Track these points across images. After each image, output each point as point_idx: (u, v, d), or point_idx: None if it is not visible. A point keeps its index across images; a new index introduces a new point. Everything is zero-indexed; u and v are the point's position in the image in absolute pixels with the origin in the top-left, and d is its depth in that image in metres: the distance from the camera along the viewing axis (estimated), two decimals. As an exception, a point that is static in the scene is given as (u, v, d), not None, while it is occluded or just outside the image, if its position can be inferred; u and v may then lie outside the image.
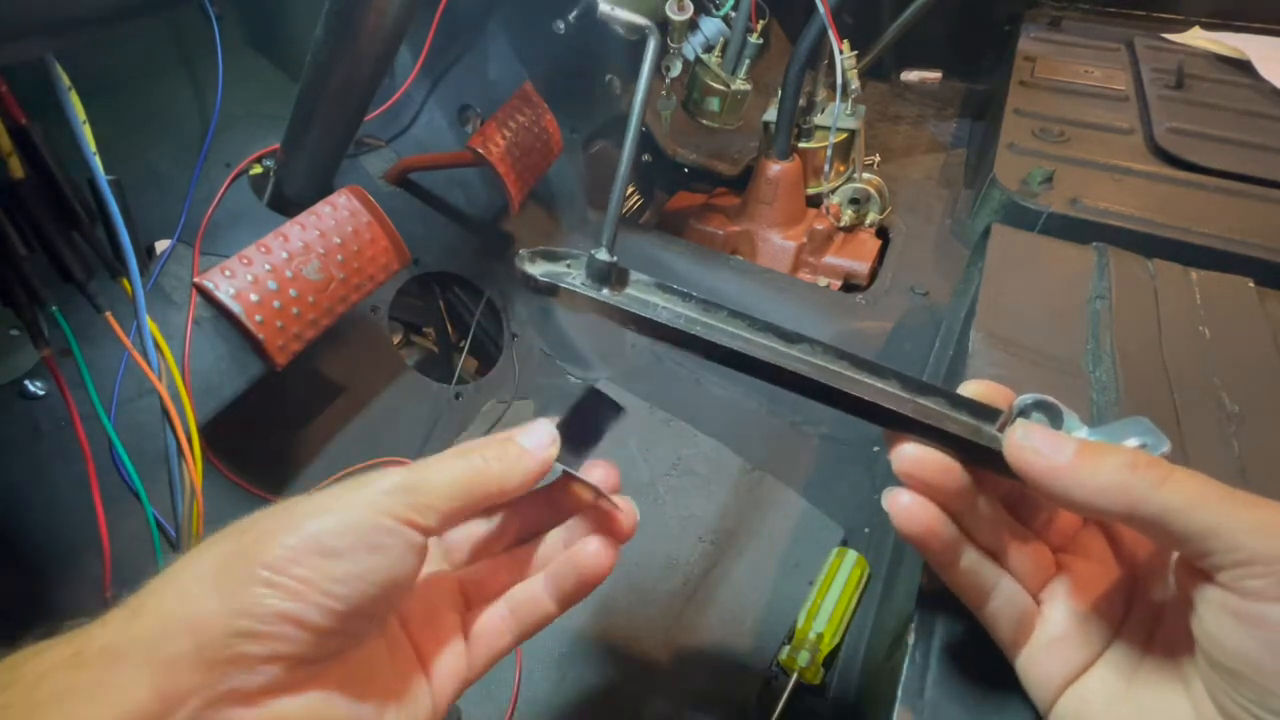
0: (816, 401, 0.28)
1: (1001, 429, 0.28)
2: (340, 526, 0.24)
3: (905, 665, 0.32)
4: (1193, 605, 0.23)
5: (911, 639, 0.32)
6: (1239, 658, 0.21)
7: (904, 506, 0.27)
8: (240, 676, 0.22)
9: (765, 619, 0.61)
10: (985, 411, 0.28)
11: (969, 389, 0.29)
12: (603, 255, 0.30)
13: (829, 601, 0.59)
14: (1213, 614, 0.22)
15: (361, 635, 0.26)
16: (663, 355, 0.93)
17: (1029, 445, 0.24)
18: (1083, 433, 0.27)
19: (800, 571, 0.65)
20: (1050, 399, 0.27)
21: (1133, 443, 0.25)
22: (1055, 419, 0.27)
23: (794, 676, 0.56)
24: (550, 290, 0.30)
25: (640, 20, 0.30)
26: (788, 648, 0.58)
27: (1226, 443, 0.41)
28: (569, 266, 0.31)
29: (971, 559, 0.27)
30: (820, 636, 0.57)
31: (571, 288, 0.30)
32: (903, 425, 0.27)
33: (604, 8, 0.30)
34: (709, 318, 0.30)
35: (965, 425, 0.28)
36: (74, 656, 0.21)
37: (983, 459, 0.26)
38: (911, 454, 0.27)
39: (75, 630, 0.22)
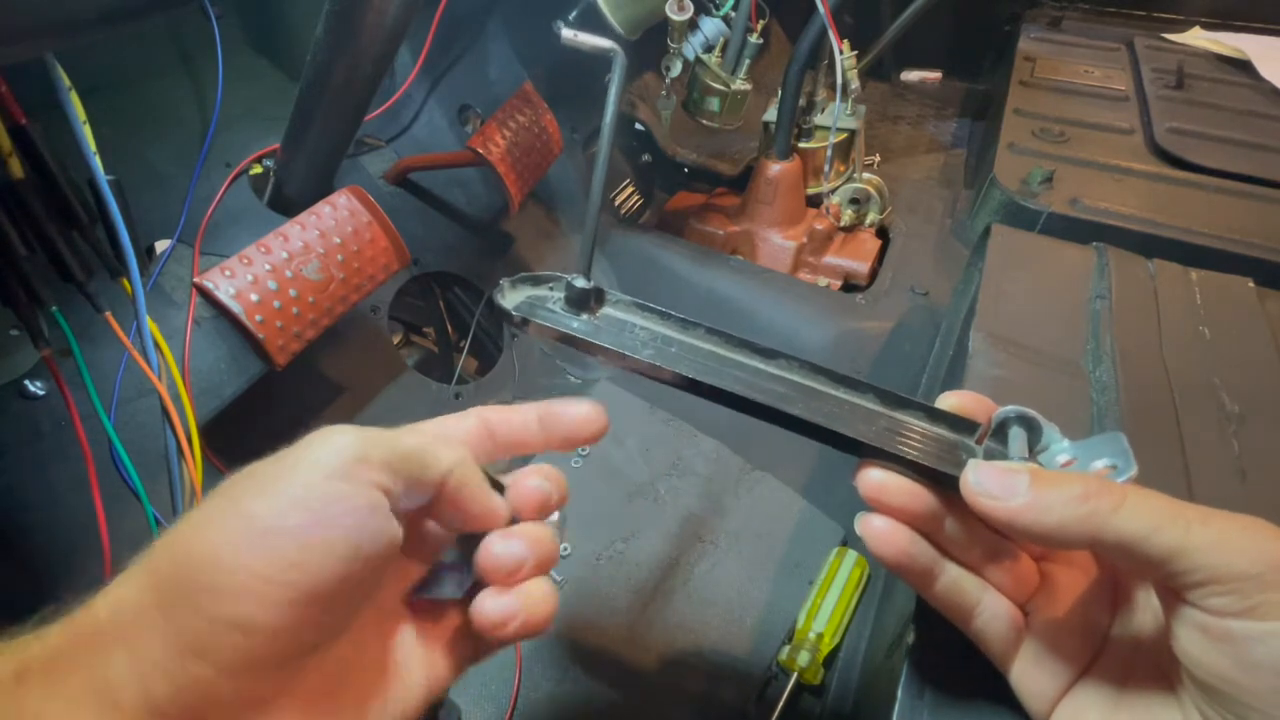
0: (792, 431, 0.28)
1: (980, 441, 0.28)
2: (285, 503, 0.21)
3: (905, 665, 0.32)
4: (1169, 622, 0.23)
5: (911, 639, 0.32)
6: (1214, 674, 0.21)
7: (877, 530, 0.27)
8: (191, 698, 0.19)
9: (765, 619, 0.61)
10: (963, 425, 0.28)
11: (947, 401, 0.28)
12: (580, 282, 0.30)
13: (829, 601, 0.59)
14: (1185, 631, 0.22)
15: (337, 627, 0.23)
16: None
17: (982, 491, 0.24)
18: (1062, 446, 0.26)
19: (800, 571, 0.65)
20: (1030, 412, 0.27)
21: (1101, 464, 0.25)
22: (1034, 432, 0.27)
23: (794, 676, 0.56)
24: (524, 324, 0.30)
25: (605, 43, 0.30)
26: (788, 648, 0.58)
27: (1226, 443, 0.41)
28: (551, 289, 0.31)
29: (951, 578, 0.27)
30: (820, 636, 0.57)
31: (543, 322, 0.30)
32: (871, 454, 0.27)
33: (567, 34, 0.30)
34: (686, 336, 0.30)
35: (941, 442, 0.27)
36: (17, 676, 0.19)
37: (949, 486, 0.26)
38: (876, 479, 0.27)
39: (18, 642, 0.20)
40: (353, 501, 0.21)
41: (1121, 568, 0.27)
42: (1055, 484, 0.23)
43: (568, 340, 0.30)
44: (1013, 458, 0.27)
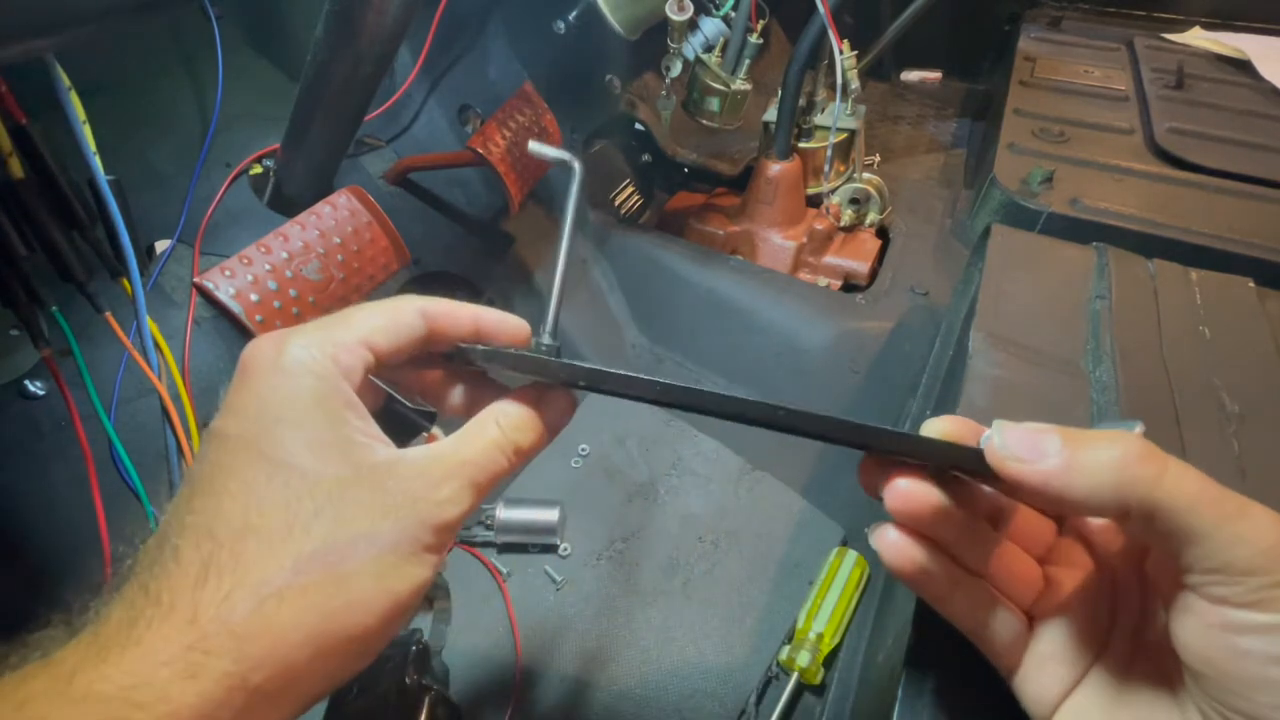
0: (798, 435, 0.27)
1: None
2: (363, 605, 0.24)
3: (905, 665, 0.32)
4: (1167, 606, 0.23)
5: (912, 639, 0.32)
6: (1202, 659, 0.21)
7: (891, 544, 0.26)
8: None
9: (765, 619, 0.62)
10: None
11: (934, 427, 0.27)
12: (547, 340, 0.30)
13: (829, 601, 0.59)
14: (1180, 615, 0.22)
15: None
16: (663, 356, 0.93)
17: (1009, 454, 0.23)
18: None
19: (800, 571, 0.65)
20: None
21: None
22: None
23: (794, 676, 0.56)
24: (492, 356, 0.29)
25: (564, 155, 0.31)
26: (788, 648, 0.58)
27: (1226, 443, 0.41)
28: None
29: (965, 591, 0.27)
30: (820, 636, 0.57)
31: (520, 353, 0.29)
32: (892, 443, 0.26)
33: (534, 146, 0.31)
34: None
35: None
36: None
37: (970, 468, 0.25)
38: (903, 487, 0.26)
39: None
40: (423, 579, 0.25)
41: (1129, 534, 0.26)
42: (1090, 445, 0.22)
43: (553, 372, 0.28)
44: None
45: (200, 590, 0.22)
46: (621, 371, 0.28)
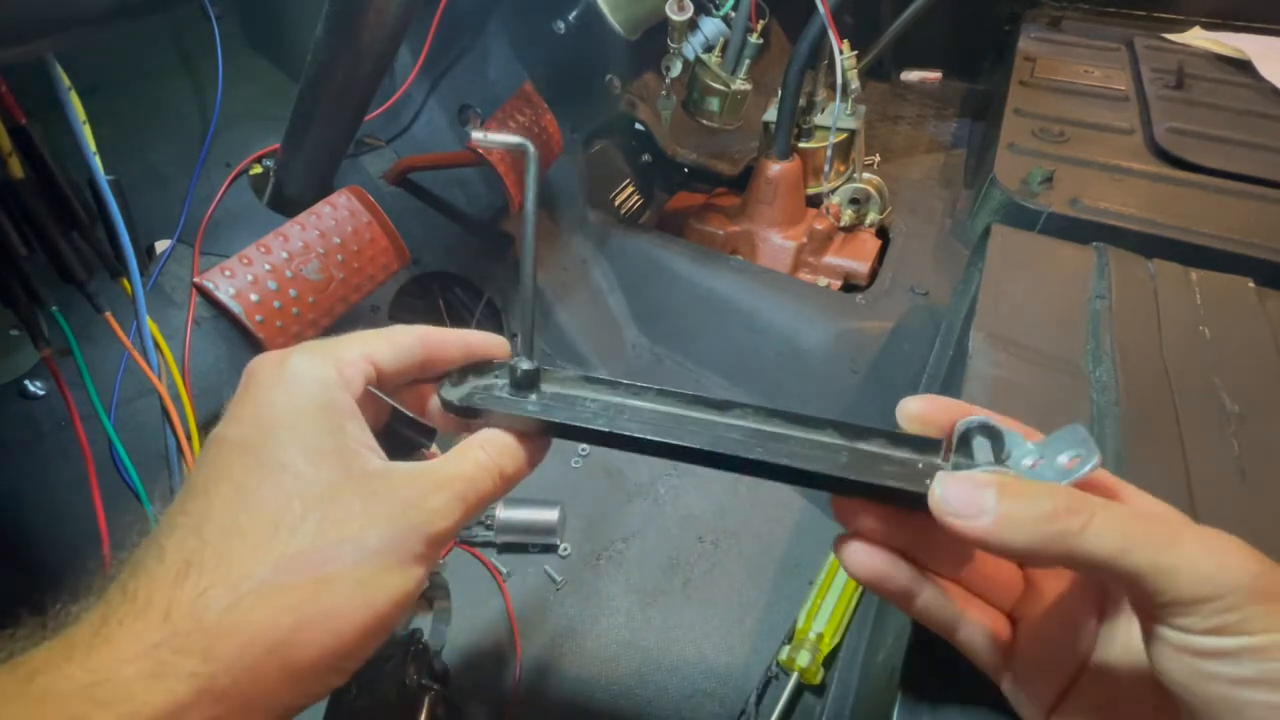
0: (760, 476, 0.28)
1: (947, 458, 0.27)
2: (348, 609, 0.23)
3: (905, 665, 0.32)
4: (1141, 631, 0.23)
5: (912, 638, 0.32)
6: (1173, 681, 0.21)
7: (851, 553, 0.27)
8: None
9: (765, 619, 0.62)
10: (928, 444, 0.27)
11: (909, 408, 0.28)
12: (525, 364, 0.30)
13: (829, 601, 0.59)
14: (1154, 644, 0.22)
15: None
16: (663, 356, 0.93)
17: (950, 510, 0.23)
18: (1026, 449, 0.26)
19: (800, 571, 0.65)
20: (990, 420, 0.26)
21: (1065, 458, 0.24)
22: (997, 441, 0.26)
23: (794, 676, 0.56)
24: (473, 415, 0.30)
25: (514, 140, 0.32)
26: (788, 648, 0.58)
27: (1226, 443, 0.41)
28: (496, 377, 0.31)
29: (930, 594, 0.27)
30: (820, 636, 0.57)
31: (494, 409, 0.30)
32: (838, 487, 0.27)
33: (476, 135, 0.32)
34: (638, 400, 0.30)
35: (906, 465, 0.27)
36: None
37: (919, 505, 0.25)
38: (849, 510, 0.27)
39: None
40: (405, 592, 0.25)
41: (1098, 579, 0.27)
42: (1022, 499, 0.22)
43: (517, 423, 0.30)
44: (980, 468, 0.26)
45: (178, 588, 0.21)
46: (582, 424, 0.29)
